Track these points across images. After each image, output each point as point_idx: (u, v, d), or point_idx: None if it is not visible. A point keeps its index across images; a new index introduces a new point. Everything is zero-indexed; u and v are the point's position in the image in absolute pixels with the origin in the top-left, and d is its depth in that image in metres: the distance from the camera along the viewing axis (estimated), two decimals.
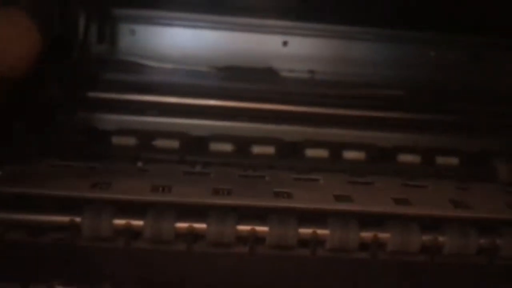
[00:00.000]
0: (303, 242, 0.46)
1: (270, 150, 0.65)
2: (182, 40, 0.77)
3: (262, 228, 0.46)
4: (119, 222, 0.45)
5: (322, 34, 0.80)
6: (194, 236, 0.45)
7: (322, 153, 0.65)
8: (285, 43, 0.80)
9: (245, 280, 0.46)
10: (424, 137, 0.68)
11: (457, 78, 0.80)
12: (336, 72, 0.80)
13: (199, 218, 0.45)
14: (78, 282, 0.44)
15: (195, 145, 0.63)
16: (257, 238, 0.46)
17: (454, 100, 0.76)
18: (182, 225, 0.45)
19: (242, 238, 0.46)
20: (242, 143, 0.66)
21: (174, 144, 0.62)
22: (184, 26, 0.78)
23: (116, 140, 0.60)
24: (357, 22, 0.81)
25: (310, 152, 0.65)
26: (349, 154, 0.65)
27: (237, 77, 0.76)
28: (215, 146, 0.63)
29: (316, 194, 0.48)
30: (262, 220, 0.46)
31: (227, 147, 0.65)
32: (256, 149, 0.65)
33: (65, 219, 0.45)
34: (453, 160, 0.65)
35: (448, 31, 0.80)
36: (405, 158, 0.65)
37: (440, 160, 0.65)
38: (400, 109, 0.73)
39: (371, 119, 0.71)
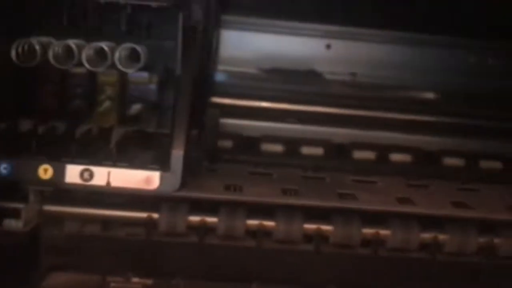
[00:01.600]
0: (365, 242, 0.49)
1: (319, 151, 0.68)
2: (229, 43, 0.80)
3: (327, 227, 0.48)
4: (194, 218, 0.48)
5: (364, 38, 0.83)
6: (263, 233, 0.48)
7: (369, 155, 0.68)
8: (328, 46, 0.83)
9: (309, 276, 0.49)
10: (468, 141, 0.70)
11: (495, 83, 0.82)
12: (376, 75, 0.83)
13: (268, 216, 0.48)
14: (153, 275, 0.47)
15: (246, 145, 0.65)
16: (322, 237, 0.48)
17: (492, 105, 0.78)
18: (252, 222, 0.48)
19: (307, 236, 0.48)
20: (292, 144, 0.68)
21: (227, 143, 0.64)
22: (231, 28, 0.80)
23: None
24: (398, 27, 0.83)
25: (358, 154, 0.68)
26: (396, 157, 0.68)
27: (283, 79, 0.78)
28: (265, 147, 0.66)
29: (379, 196, 0.50)
30: (327, 220, 0.48)
31: (278, 147, 0.67)
32: (305, 150, 0.68)
33: (142, 215, 0.48)
34: (497, 164, 0.67)
35: (486, 37, 0.82)
36: (450, 161, 0.68)
37: (484, 164, 0.68)
38: (439, 113, 0.76)
39: (414, 122, 0.73)
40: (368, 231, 0.48)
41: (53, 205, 0.47)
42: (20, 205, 0.45)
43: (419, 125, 0.73)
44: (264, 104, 0.71)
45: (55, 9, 0.49)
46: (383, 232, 0.48)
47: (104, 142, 0.49)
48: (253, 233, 0.48)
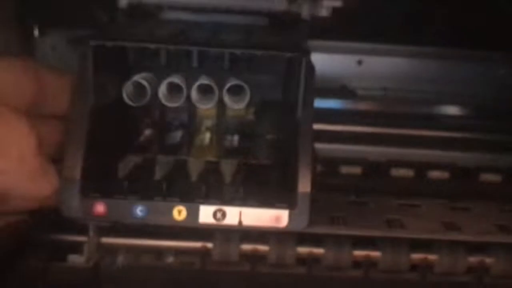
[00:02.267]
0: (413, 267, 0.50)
1: (357, 170, 0.69)
2: None
3: (375, 254, 0.50)
4: (246, 247, 0.49)
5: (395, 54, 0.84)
6: (313, 260, 0.49)
7: (407, 173, 0.69)
8: (359, 62, 0.84)
9: None
10: (504, 157, 0.71)
11: None
12: (407, 89, 0.84)
13: (318, 244, 0.50)
14: None
15: None
16: (371, 263, 0.49)
17: None
18: (303, 249, 0.49)
19: (356, 263, 0.50)
20: (330, 164, 0.70)
21: None
22: None
23: None
24: (428, 42, 0.84)
25: (395, 172, 0.69)
26: (433, 174, 0.69)
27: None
28: None
29: (424, 222, 0.51)
30: (375, 246, 0.50)
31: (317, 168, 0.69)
32: (344, 170, 0.69)
33: (196, 244, 0.49)
34: None
35: None
36: (487, 177, 0.69)
37: None
38: (472, 129, 0.76)
39: (451, 139, 0.74)
40: (416, 256, 0.49)
41: (110, 237, 0.49)
42: (82, 239, 0.47)
43: (454, 141, 0.74)
44: None
45: (154, 51, 0.50)
46: (431, 257, 0.49)
47: (215, 177, 0.51)
48: (303, 260, 0.50)
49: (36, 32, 0.84)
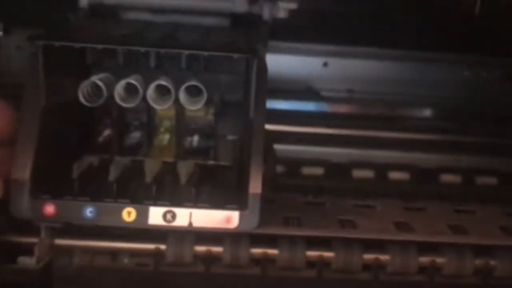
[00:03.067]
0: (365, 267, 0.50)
1: (319, 171, 0.70)
2: None
3: (329, 254, 0.50)
4: (200, 248, 0.49)
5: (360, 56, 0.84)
6: (267, 260, 0.50)
7: (368, 174, 0.69)
8: (325, 64, 0.84)
9: None
10: (464, 158, 0.72)
11: (490, 98, 0.83)
12: (373, 91, 0.85)
13: (272, 245, 0.50)
14: None
15: None
16: (324, 264, 0.50)
17: (489, 120, 0.80)
18: (256, 251, 0.50)
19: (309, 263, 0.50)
20: (292, 165, 0.70)
21: None
22: None
23: None
24: (392, 44, 0.85)
25: (357, 173, 0.70)
26: (395, 175, 0.69)
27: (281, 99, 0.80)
28: None
29: (378, 222, 0.52)
30: (328, 247, 0.50)
31: (279, 169, 0.69)
32: (306, 171, 0.69)
33: (150, 246, 0.49)
34: (492, 180, 0.69)
35: (480, 52, 0.83)
36: (447, 178, 0.69)
37: (480, 180, 0.69)
38: (435, 130, 0.77)
39: (412, 140, 0.75)
40: (368, 256, 0.50)
41: (64, 239, 0.49)
42: (33, 240, 0.47)
43: (415, 142, 0.75)
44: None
45: (112, 52, 0.51)
46: (383, 257, 0.50)
47: (170, 177, 0.51)
48: (257, 261, 0.50)
49: (0, 32, 0.83)
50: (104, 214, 0.46)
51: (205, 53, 0.47)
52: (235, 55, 0.47)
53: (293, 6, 0.59)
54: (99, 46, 0.46)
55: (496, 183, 0.69)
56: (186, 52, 0.47)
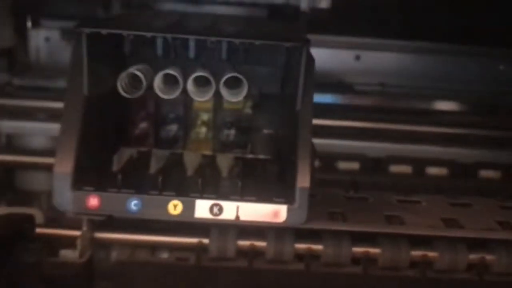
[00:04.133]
0: (412, 264, 0.49)
1: (354, 166, 0.68)
2: None
3: (375, 250, 0.49)
4: (243, 243, 0.48)
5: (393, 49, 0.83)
6: (311, 256, 0.48)
7: (406, 169, 0.68)
8: (357, 57, 0.83)
9: None
10: (504, 154, 0.70)
11: None
12: (405, 85, 0.83)
13: (316, 240, 0.49)
14: None
15: None
16: (370, 260, 0.49)
17: None
18: (301, 246, 0.48)
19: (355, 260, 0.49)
20: (327, 160, 0.69)
21: None
22: None
23: None
24: (425, 37, 0.83)
25: (394, 168, 0.68)
26: (432, 170, 0.68)
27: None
28: None
29: (425, 218, 0.50)
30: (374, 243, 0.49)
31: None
32: (342, 165, 0.68)
33: (193, 240, 0.48)
34: None
35: None
36: (486, 174, 0.68)
37: None
38: (471, 125, 0.76)
39: (449, 135, 0.73)
40: (416, 253, 0.48)
41: (104, 232, 0.48)
42: (75, 233, 0.46)
43: (452, 137, 0.74)
44: None
45: (150, 41, 0.50)
46: (431, 254, 0.49)
47: (210, 171, 0.50)
48: (301, 257, 0.49)
49: (29, 24, 0.83)
50: (149, 207, 0.45)
51: (257, 42, 0.45)
52: (287, 44, 0.45)
53: None
54: (148, 34, 0.45)
55: None
56: (236, 41, 0.46)
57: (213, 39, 0.48)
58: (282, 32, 0.51)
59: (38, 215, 0.51)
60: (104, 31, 0.44)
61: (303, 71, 0.46)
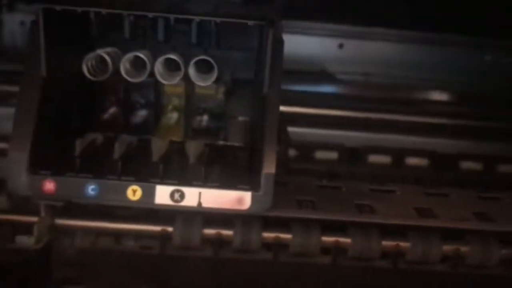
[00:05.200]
0: (384, 255, 0.48)
1: (333, 155, 0.67)
2: None
3: (345, 240, 0.47)
4: (209, 231, 0.47)
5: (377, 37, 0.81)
6: (280, 245, 0.47)
7: (384, 159, 0.66)
8: (340, 46, 0.81)
9: None
10: (484, 144, 0.68)
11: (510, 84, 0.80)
12: (389, 74, 0.81)
13: (285, 229, 0.47)
14: None
15: None
16: (340, 250, 0.47)
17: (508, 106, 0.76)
18: (269, 235, 0.47)
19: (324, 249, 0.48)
20: (305, 149, 0.67)
21: None
22: None
23: None
24: (411, 26, 0.81)
25: (372, 158, 0.67)
26: (412, 161, 0.66)
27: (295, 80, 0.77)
28: None
29: (397, 207, 0.49)
30: (344, 232, 0.47)
31: (291, 152, 0.66)
32: (320, 155, 0.66)
33: (156, 228, 0.47)
34: None
35: (500, 36, 0.80)
36: (467, 165, 0.66)
37: (502, 168, 0.66)
38: (453, 115, 0.74)
39: (430, 125, 0.71)
40: (387, 243, 0.47)
41: (65, 218, 0.46)
42: (32, 219, 0.44)
43: (433, 127, 0.72)
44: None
45: (118, 22, 0.48)
46: (403, 244, 0.47)
47: (178, 157, 0.48)
48: (268, 245, 0.47)
49: (4, 9, 0.81)
50: (107, 192, 0.43)
51: (218, 20, 0.44)
52: (250, 22, 0.43)
53: None
54: (103, 11, 0.43)
55: None
56: (197, 18, 0.44)
57: (181, 21, 0.46)
58: (251, 12, 0.50)
59: (3, 201, 0.49)
60: (58, 7, 0.42)
61: (269, 53, 0.44)
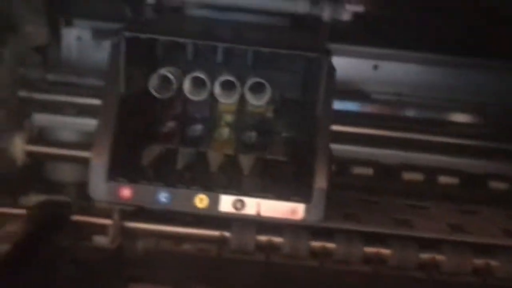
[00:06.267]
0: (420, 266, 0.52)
1: (368, 171, 0.71)
2: None
3: (385, 251, 0.52)
4: (261, 238, 0.51)
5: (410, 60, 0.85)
6: (325, 253, 0.52)
7: (417, 176, 0.71)
8: (375, 67, 0.86)
9: None
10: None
11: None
12: (421, 95, 0.86)
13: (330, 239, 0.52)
14: None
15: None
16: (381, 260, 0.51)
17: None
18: (316, 243, 0.52)
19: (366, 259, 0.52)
20: (342, 164, 0.71)
21: None
22: None
23: None
24: (443, 50, 0.86)
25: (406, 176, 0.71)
26: (444, 179, 0.71)
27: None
28: None
29: (433, 223, 0.53)
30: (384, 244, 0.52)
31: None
32: (356, 170, 0.71)
33: (215, 232, 0.52)
34: None
35: None
36: (495, 184, 0.70)
37: None
38: (482, 137, 0.78)
39: (461, 146, 0.75)
40: (424, 256, 0.52)
41: (133, 222, 0.51)
42: (106, 222, 0.50)
43: (464, 148, 0.76)
44: None
45: (182, 46, 0.53)
46: (439, 257, 0.51)
47: (232, 169, 0.53)
48: (314, 253, 0.52)
49: (62, 23, 0.87)
50: (177, 200, 0.48)
51: (282, 51, 0.49)
52: (310, 55, 0.49)
53: (359, 9, 0.60)
54: (182, 40, 0.48)
55: None
56: (263, 49, 0.49)
57: (241, 47, 0.51)
58: (305, 41, 0.54)
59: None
60: (142, 36, 0.48)
61: (324, 80, 0.49)
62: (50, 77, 0.80)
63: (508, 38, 0.82)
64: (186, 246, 0.53)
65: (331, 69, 0.51)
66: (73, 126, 0.76)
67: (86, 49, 0.87)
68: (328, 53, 0.49)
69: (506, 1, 0.72)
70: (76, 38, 0.88)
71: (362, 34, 0.85)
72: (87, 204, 0.51)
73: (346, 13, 0.60)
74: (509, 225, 0.55)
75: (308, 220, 0.48)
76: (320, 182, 0.48)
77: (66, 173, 0.76)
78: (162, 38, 0.48)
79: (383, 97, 0.85)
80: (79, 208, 0.54)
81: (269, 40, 0.54)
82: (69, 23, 0.87)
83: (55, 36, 0.87)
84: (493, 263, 0.52)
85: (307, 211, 0.49)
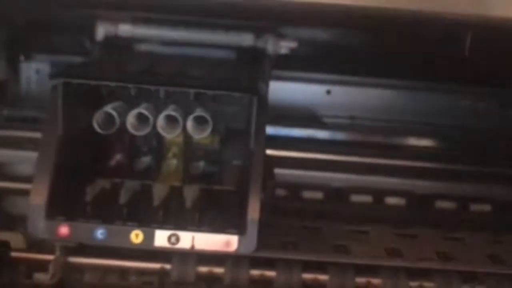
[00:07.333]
0: None
1: (318, 195, 0.73)
2: None
3: (323, 277, 0.53)
4: (202, 269, 0.53)
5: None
6: (265, 282, 0.53)
7: (366, 198, 0.72)
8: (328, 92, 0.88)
9: None
10: (458, 186, 0.75)
11: (486, 127, 0.86)
12: (374, 118, 0.88)
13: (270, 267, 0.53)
14: None
15: None
16: (319, 286, 0.53)
17: (487, 149, 0.82)
18: (256, 272, 0.53)
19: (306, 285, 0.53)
20: (293, 189, 0.73)
21: None
22: None
23: None
24: (393, 74, 0.88)
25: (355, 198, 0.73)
26: (391, 200, 0.72)
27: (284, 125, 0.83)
28: None
29: (370, 248, 0.55)
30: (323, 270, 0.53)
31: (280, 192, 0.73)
32: (306, 195, 0.73)
33: (155, 265, 0.53)
34: (486, 207, 0.72)
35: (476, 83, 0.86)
36: (442, 204, 0.72)
37: (474, 207, 0.72)
38: (432, 158, 0.80)
39: (410, 168, 0.78)
40: (360, 280, 0.53)
41: (76, 257, 0.53)
42: (48, 257, 0.51)
43: (413, 169, 0.78)
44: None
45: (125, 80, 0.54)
46: (375, 281, 0.53)
47: (177, 201, 0.55)
48: (255, 282, 0.54)
49: (21, 58, 0.88)
50: (114, 236, 0.50)
51: (210, 92, 0.51)
52: (237, 94, 0.51)
53: (293, 45, 0.63)
54: (113, 84, 0.50)
55: (490, 210, 0.71)
56: (192, 91, 0.51)
57: (180, 90, 0.54)
58: (244, 77, 0.57)
59: (19, 239, 0.56)
60: (75, 81, 0.49)
61: (254, 114, 0.51)
62: (7, 112, 0.82)
63: (461, 62, 0.85)
64: (132, 279, 0.55)
65: (262, 104, 0.53)
66: (31, 160, 0.77)
67: (45, 82, 0.88)
68: (257, 91, 0.51)
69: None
70: (35, 71, 0.89)
71: (314, 60, 0.88)
72: (37, 240, 0.53)
73: (283, 48, 0.63)
74: (445, 247, 0.57)
75: (241, 251, 0.50)
76: (252, 213, 0.50)
77: (23, 207, 0.77)
78: (94, 83, 0.50)
79: (336, 121, 0.88)
80: (27, 244, 0.56)
81: (209, 79, 0.56)
82: (28, 58, 0.89)
83: (14, 70, 0.88)
84: (428, 285, 0.53)
85: (241, 242, 0.50)
